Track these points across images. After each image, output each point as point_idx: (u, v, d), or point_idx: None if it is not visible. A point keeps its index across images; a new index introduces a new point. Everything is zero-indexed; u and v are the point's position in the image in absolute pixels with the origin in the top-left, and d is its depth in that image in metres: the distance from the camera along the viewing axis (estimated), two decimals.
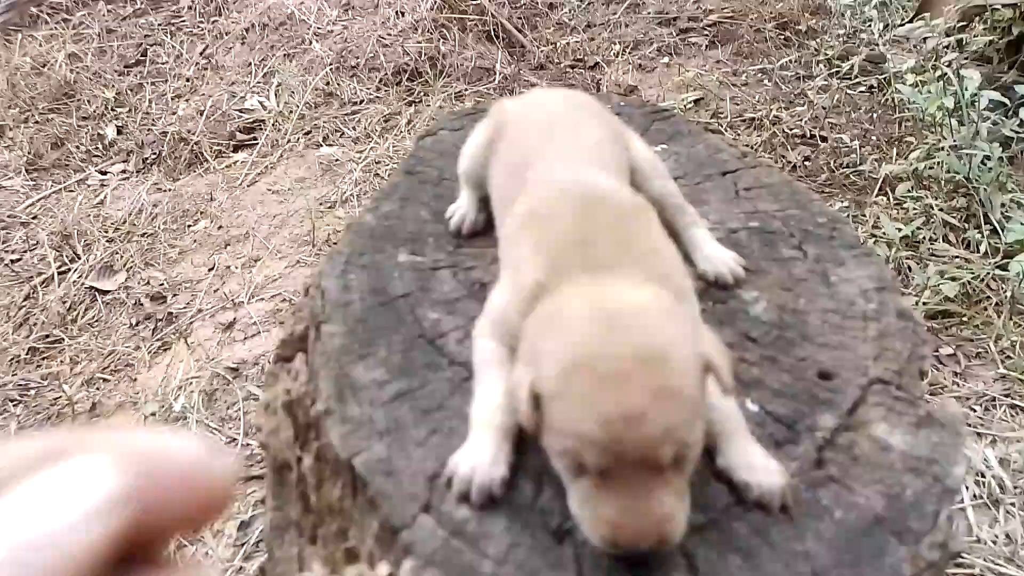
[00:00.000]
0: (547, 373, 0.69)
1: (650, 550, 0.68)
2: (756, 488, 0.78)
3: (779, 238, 1.16)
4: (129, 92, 4.25)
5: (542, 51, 3.94)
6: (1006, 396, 2.05)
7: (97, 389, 2.42)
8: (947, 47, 3.16)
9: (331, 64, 3.84)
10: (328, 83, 3.75)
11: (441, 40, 3.85)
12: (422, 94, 3.58)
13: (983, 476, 1.78)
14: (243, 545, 1.81)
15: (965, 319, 2.33)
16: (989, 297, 2.38)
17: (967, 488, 1.75)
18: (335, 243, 1.09)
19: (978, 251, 2.52)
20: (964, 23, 3.28)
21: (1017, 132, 2.82)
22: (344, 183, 3.02)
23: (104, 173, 3.75)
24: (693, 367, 0.70)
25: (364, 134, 3.34)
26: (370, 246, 1.08)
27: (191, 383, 2.30)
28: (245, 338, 2.45)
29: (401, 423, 0.84)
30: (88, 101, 4.23)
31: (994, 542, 1.63)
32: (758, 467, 0.79)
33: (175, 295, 2.75)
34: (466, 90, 3.60)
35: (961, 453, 0.87)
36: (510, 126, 1.06)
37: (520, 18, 4.26)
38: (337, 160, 3.21)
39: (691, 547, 0.75)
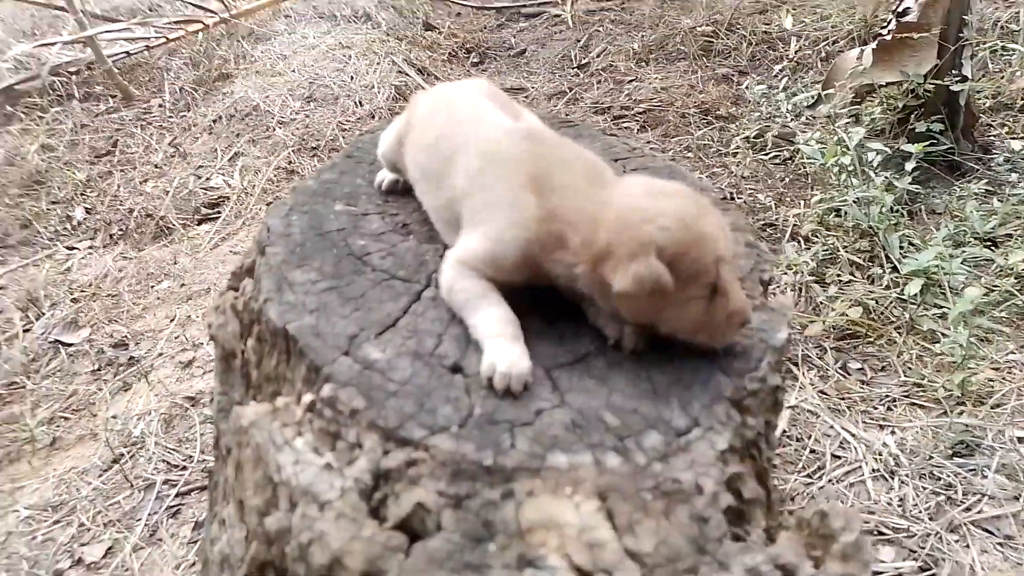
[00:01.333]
0: (671, 238, 0.92)
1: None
2: (612, 336, 0.98)
3: None
4: (99, 178, 4.48)
5: None
6: (906, 397, 2.27)
7: (57, 426, 2.52)
8: (845, 120, 3.57)
9: (293, 146, 4.14)
10: (290, 162, 4.03)
11: None
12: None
13: (880, 455, 1.97)
14: (197, 542, 1.89)
15: (871, 339, 2.58)
16: (892, 321, 2.64)
17: (866, 464, 1.94)
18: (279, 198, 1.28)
19: (881, 284, 2.80)
20: (858, 100, 3.71)
21: (911, 188, 3.18)
22: None
23: (71, 249, 3.92)
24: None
25: None
26: (311, 200, 1.29)
27: (150, 413, 2.42)
28: (204, 372, 2.58)
29: (328, 305, 1.03)
30: (58, 187, 4.44)
31: (889, 504, 1.80)
32: (616, 320, 0.99)
33: (137, 343, 2.89)
34: None
35: (785, 326, 1.08)
36: (419, 114, 1.29)
37: None
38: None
39: (555, 374, 0.94)
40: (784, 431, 2.05)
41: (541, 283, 1.03)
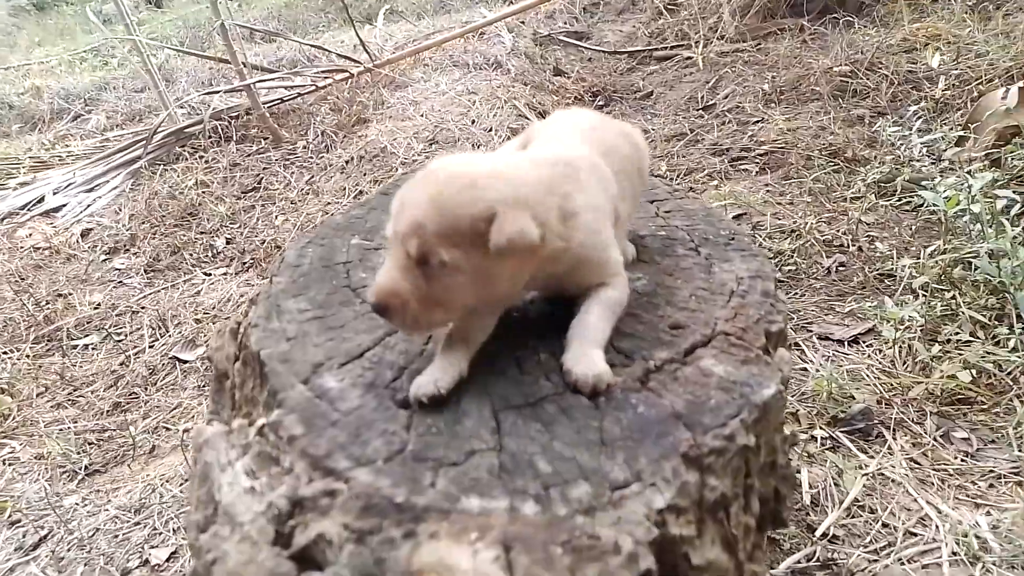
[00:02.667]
0: None
1: (376, 307, 0.91)
2: (572, 373, 0.94)
3: (679, 242, 1.34)
4: (242, 212, 4.88)
5: None
6: (1015, 474, 2.01)
7: (159, 435, 2.73)
8: (982, 165, 3.26)
9: None
10: None
11: None
12: None
13: (966, 537, 1.74)
14: None
15: (986, 407, 2.30)
16: (1013, 387, 2.35)
17: (946, 545, 1.72)
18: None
19: (1007, 346, 2.51)
20: (1002, 143, 3.37)
21: None
22: None
23: (208, 275, 4.28)
24: (476, 207, 0.91)
25: None
26: (332, 234, 1.35)
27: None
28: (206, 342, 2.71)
29: (307, 333, 1.06)
30: (207, 219, 4.87)
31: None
32: (582, 360, 0.95)
33: None
34: None
35: (776, 383, 0.99)
36: (535, 135, 1.32)
37: None
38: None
39: (501, 416, 0.91)
40: (856, 499, 1.85)
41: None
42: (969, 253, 2.85)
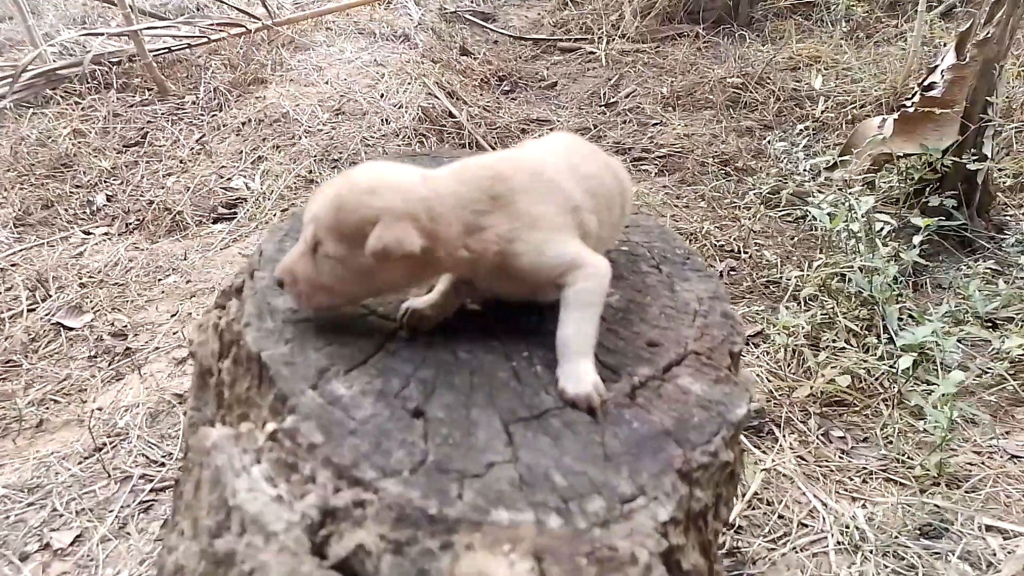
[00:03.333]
0: None
1: (277, 281, 1.07)
2: (566, 393, 1.01)
3: (641, 259, 1.43)
4: (124, 167, 4.57)
5: None
6: (883, 471, 2.27)
7: (47, 409, 2.56)
8: (859, 186, 3.59)
9: (315, 156, 4.21)
10: (311, 171, 4.11)
11: (419, 146, 4.26)
12: None
13: (848, 527, 1.97)
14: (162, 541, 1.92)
15: (857, 409, 2.58)
16: (880, 392, 2.64)
17: (832, 535, 1.94)
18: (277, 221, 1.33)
19: (875, 354, 2.81)
20: (876, 168, 3.73)
21: (918, 260, 3.19)
22: None
23: (88, 234, 4.00)
24: (363, 211, 1.01)
25: None
26: None
27: (138, 406, 2.46)
28: (187, 340, 2.62)
29: (304, 336, 1.07)
30: (84, 172, 4.54)
31: None
32: (575, 378, 1.02)
33: (136, 335, 2.94)
34: None
35: (746, 401, 1.10)
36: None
37: (495, 137, 4.72)
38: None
39: (512, 428, 0.97)
40: (755, 493, 2.06)
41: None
42: (845, 267, 3.14)
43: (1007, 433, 2.42)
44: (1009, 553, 1.85)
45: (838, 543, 1.91)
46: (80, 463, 2.25)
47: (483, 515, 0.84)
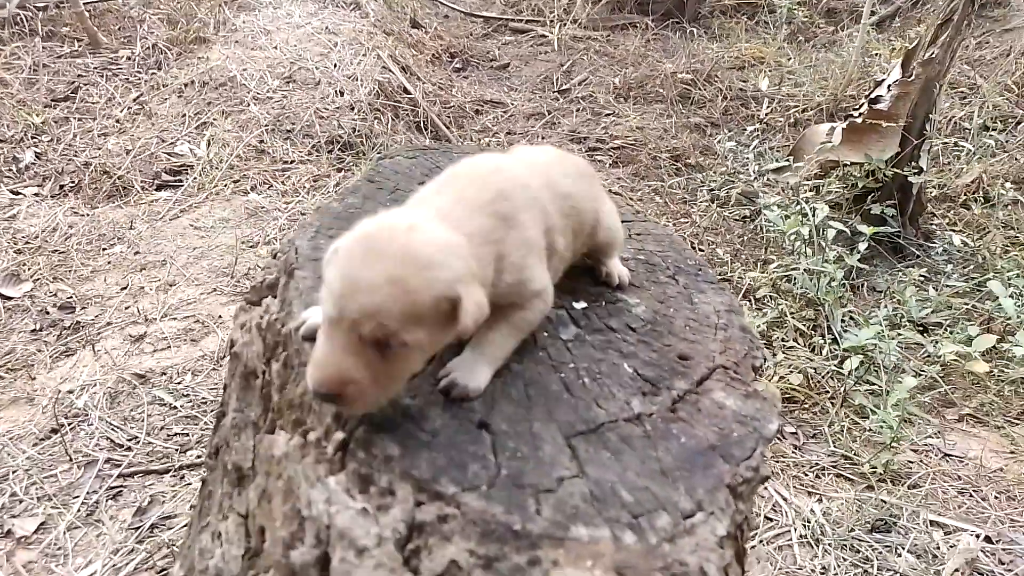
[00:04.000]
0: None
1: (325, 396, 0.88)
2: (450, 377, 1.03)
3: (658, 268, 1.48)
4: (54, 123, 4.31)
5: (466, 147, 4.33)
6: (834, 467, 2.42)
7: None
8: (807, 190, 3.76)
9: (267, 125, 4.08)
10: (262, 141, 3.97)
11: (375, 121, 4.18)
12: (352, 164, 3.86)
13: (809, 522, 2.10)
14: (138, 529, 1.87)
15: (807, 406, 2.73)
16: (827, 391, 2.80)
17: (795, 530, 2.06)
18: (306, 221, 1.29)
19: (821, 354, 2.97)
20: (822, 172, 3.91)
21: (858, 265, 3.38)
22: (269, 228, 3.20)
23: (16, 194, 3.76)
24: (436, 287, 0.91)
25: (292, 189, 3.56)
26: (336, 224, 1.31)
27: (95, 385, 2.36)
28: (155, 351, 2.53)
29: None
30: (7, 126, 4.25)
31: (812, 571, 1.92)
32: (466, 369, 1.04)
33: (84, 308, 2.80)
34: None
35: (775, 416, 1.16)
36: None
37: (450, 116, 4.68)
38: (263, 207, 3.40)
39: (573, 442, 1.00)
40: None
41: None
42: (792, 268, 3.29)
43: (939, 433, 2.61)
44: (951, 547, 2.01)
45: (801, 536, 2.04)
46: (36, 445, 2.14)
47: (564, 531, 0.87)
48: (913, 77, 3.55)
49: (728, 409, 1.14)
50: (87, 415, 2.23)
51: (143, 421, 2.23)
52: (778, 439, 2.49)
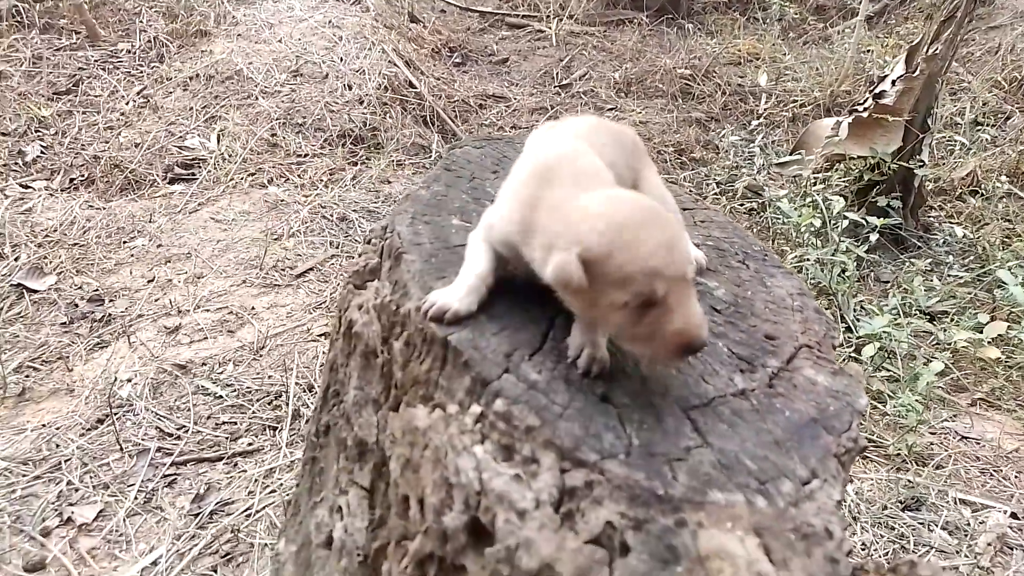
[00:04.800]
0: (596, 239, 0.98)
1: (699, 348, 0.99)
2: (570, 355, 1.08)
3: (728, 254, 1.53)
4: (57, 117, 4.27)
5: None
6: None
7: (27, 376, 2.42)
8: (815, 183, 3.85)
9: (278, 119, 4.08)
10: (274, 134, 3.98)
11: (385, 115, 4.20)
12: (365, 157, 3.88)
13: (844, 501, 2.17)
14: (197, 515, 1.89)
15: None
16: None
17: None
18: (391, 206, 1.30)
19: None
20: (828, 165, 4.00)
21: (866, 256, 3.47)
22: (292, 220, 3.21)
23: (26, 187, 3.73)
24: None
25: (310, 182, 3.57)
26: (427, 211, 1.35)
27: (136, 376, 2.36)
28: (191, 342, 2.54)
29: (479, 321, 1.10)
30: (9, 118, 4.20)
31: (853, 547, 2.00)
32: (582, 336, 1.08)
33: (112, 300, 2.80)
34: (404, 160, 3.94)
35: (863, 391, 1.22)
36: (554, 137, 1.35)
37: (455, 111, 4.70)
38: (283, 201, 3.41)
39: (693, 416, 1.05)
40: None
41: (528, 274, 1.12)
42: (804, 259, 3.38)
43: (954, 416, 2.70)
44: (981, 523, 2.10)
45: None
46: (84, 435, 2.15)
47: (702, 496, 0.92)
48: (917, 72, 3.65)
49: (820, 385, 1.20)
50: (132, 405, 2.24)
51: (189, 411, 2.24)
52: (867, 388, 2.57)
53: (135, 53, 4.87)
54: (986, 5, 6.02)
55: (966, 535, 2.09)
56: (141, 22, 5.13)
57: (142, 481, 1.99)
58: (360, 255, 1.32)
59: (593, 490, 0.90)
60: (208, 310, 2.69)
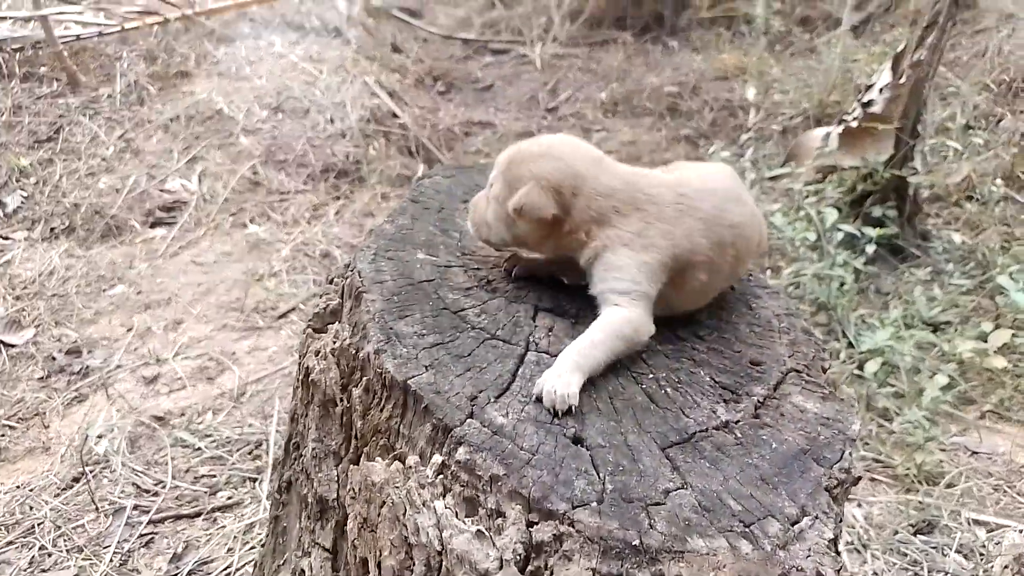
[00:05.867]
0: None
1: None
2: (541, 386, 1.01)
3: None
4: (38, 165, 4.23)
5: None
6: (867, 472, 2.41)
7: (2, 435, 2.34)
8: (808, 195, 3.79)
9: (259, 157, 4.04)
10: (256, 173, 3.93)
11: (369, 148, 4.16)
12: (348, 191, 3.83)
13: (853, 527, 2.08)
14: None
15: None
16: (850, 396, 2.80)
17: (842, 536, 2.04)
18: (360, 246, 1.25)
19: (838, 358, 2.97)
20: (821, 177, 3.94)
21: (864, 268, 3.40)
22: (274, 259, 3.15)
23: (5, 239, 3.68)
24: (523, 170, 1.19)
25: (292, 220, 3.51)
26: (392, 246, 1.29)
27: (113, 430, 2.29)
28: (170, 391, 2.47)
29: (441, 362, 1.03)
30: None
31: None
32: (558, 379, 1.00)
33: (90, 351, 2.73)
34: (389, 192, 3.89)
35: (855, 417, 1.15)
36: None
37: (440, 139, 4.67)
38: (264, 240, 3.35)
39: (672, 454, 0.97)
40: None
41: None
42: (801, 274, 3.31)
43: (964, 431, 2.61)
44: (997, 544, 2.01)
45: (848, 543, 2.02)
46: (59, 495, 2.07)
47: (682, 544, 0.85)
48: (904, 79, 3.61)
49: (810, 412, 1.13)
50: (108, 461, 2.16)
51: (167, 464, 2.16)
52: (859, 414, 2.48)
53: (115, 98, 4.85)
54: (970, 9, 6.00)
55: (982, 558, 2.00)
56: (121, 66, 5.12)
57: (118, 542, 1.90)
58: (321, 296, 1.25)
59: (563, 544, 0.83)
60: (188, 357, 2.62)
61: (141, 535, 1.94)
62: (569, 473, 0.90)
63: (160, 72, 5.02)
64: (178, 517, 1.98)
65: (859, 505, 2.20)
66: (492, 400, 0.99)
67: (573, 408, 0.99)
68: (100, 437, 2.25)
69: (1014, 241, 3.67)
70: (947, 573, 1.98)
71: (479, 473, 0.88)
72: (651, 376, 1.12)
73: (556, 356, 1.11)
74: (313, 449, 1.07)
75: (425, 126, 4.71)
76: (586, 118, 5.05)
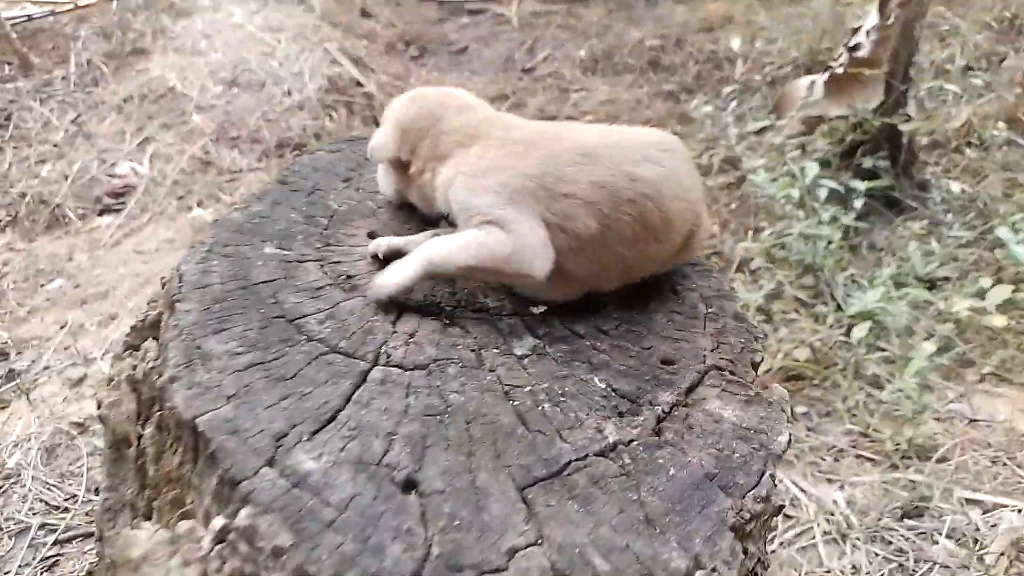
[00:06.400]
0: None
1: None
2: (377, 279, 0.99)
3: None
4: None
5: None
6: (853, 447, 2.21)
7: None
8: (793, 149, 3.53)
9: (211, 135, 3.82)
10: (207, 152, 3.72)
11: (328, 119, 3.93)
12: None
13: (832, 515, 1.88)
14: None
15: (816, 382, 2.51)
16: (836, 363, 2.58)
17: (818, 525, 1.85)
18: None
19: (825, 323, 2.75)
20: (807, 131, 3.68)
21: (855, 224, 3.16)
22: None
23: None
24: (386, 112, 1.20)
25: (241, 200, 3.31)
26: (235, 239, 1.08)
27: (30, 439, 2.12)
28: (95, 394, 2.29)
29: (251, 388, 0.83)
30: None
31: (842, 572, 1.71)
32: (389, 269, 0.99)
33: (19, 353, 2.56)
34: None
35: (785, 425, 0.94)
36: None
37: None
38: (209, 223, 3.15)
39: (529, 494, 0.77)
40: None
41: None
42: (786, 234, 3.07)
43: (961, 396, 2.40)
44: (992, 527, 1.80)
45: (825, 533, 1.82)
46: None
47: None
48: (892, 20, 3.32)
49: (726, 422, 0.92)
50: (19, 475, 2.00)
51: (82, 476, 1.99)
52: (790, 420, 2.28)
53: (70, 79, 4.63)
54: None
55: (975, 543, 1.80)
56: (77, 46, 4.89)
57: (18, 567, 1.74)
58: (148, 303, 1.05)
59: None
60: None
61: (44, 557, 1.77)
62: (384, 535, 0.70)
63: (115, 51, 4.79)
64: (87, 536, 1.81)
65: (841, 487, 1.99)
66: (306, 438, 0.78)
67: (391, 297, 0.96)
68: (15, 447, 2.08)
69: (1017, 188, 3.40)
70: (935, 563, 1.78)
71: (260, 544, 0.68)
72: (527, 389, 0.91)
73: (410, 371, 0.91)
74: (105, 500, 0.89)
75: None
76: (564, 78, 4.77)
